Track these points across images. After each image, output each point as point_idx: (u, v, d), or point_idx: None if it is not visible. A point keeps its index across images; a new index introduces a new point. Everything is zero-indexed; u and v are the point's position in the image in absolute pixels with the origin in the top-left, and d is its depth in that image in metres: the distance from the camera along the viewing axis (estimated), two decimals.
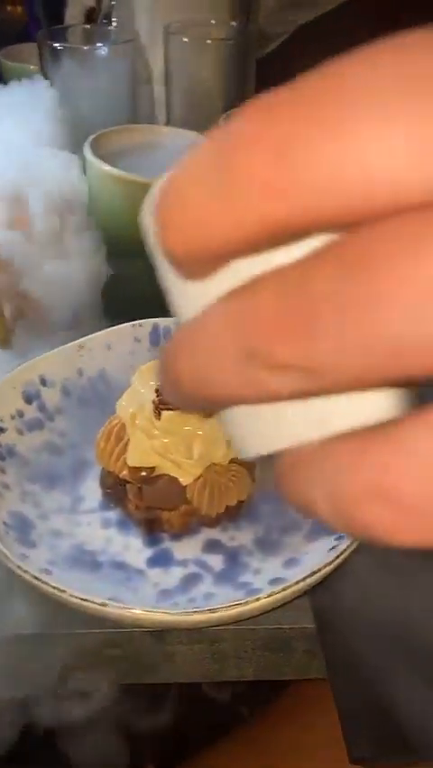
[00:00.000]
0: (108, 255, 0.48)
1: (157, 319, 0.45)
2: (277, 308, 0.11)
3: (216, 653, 0.35)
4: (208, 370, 0.12)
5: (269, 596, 0.30)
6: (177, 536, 0.37)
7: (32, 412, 0.41)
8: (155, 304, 0.49)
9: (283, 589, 0.30)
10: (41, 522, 0.37)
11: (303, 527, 0.37)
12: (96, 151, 0.45)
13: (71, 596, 0.29)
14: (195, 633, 0.34)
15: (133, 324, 0.45)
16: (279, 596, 0.30)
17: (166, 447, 0.36)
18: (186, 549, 0.36)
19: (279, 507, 0.38)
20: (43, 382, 0.42)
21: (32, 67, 0.63)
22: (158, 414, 0.36)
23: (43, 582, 0.30)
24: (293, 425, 0.13)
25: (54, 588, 0.30)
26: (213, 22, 0.57)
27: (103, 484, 0.38)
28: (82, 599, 0.30)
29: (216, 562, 0.35)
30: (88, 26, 0.57)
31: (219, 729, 0.48)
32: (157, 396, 0.36)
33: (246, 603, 0.30)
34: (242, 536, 0.37)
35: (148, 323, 0.45)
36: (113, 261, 0.49)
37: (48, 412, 0.42)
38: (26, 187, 0.45)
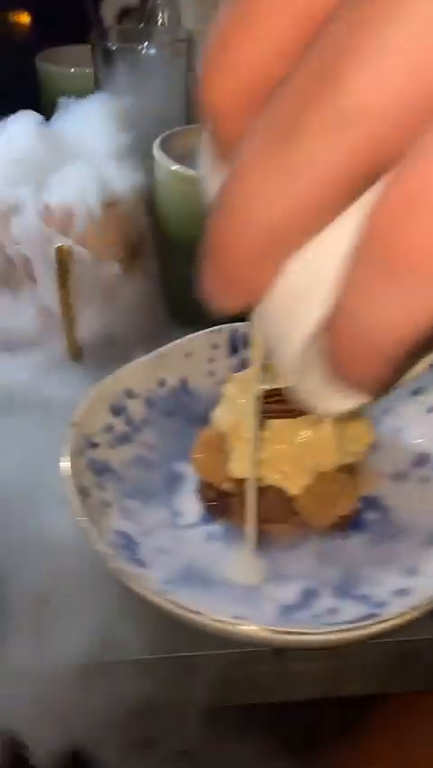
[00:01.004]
0: (178, 259, 0.47)
1: (235, 324, 0.44)
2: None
3: (339, 669, 0.34)
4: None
5: (413, 609, 0.28)
6: (286, 549, 0.35)
7: (120, 425, 0.40)
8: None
9: (428, 604, 0.29)
10: (145, 539, 0.35)
11: (415, 534, 0.35)
12: (166, 152, 0.44)
13: (210, 618, 0.28)
14: (319, 651, 0.32)
15: (212, 331, 0.44)
16: (424, 609, 0.29)
17: (273, 457, 0.34)
18: (298, 562, 0.35)
19: (385, 516, 0.37)
20: (128, 394, 0.41)
21: (72, 70, 0.61)
22: (264, 423, 0.34)
23: (173, 603, 0.29)
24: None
25: (186, 609, 0.29)
26: None
27: (204, 497, 0.37)
28: (216, 621, 0.28)
29: (332, 574, 0.34)
30: (140, 26, 0.56)
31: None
32: (263, 404, 0.35)
33: (387, 620, 0.28)
34: (352, 547, 0.36)
35: (226, 328, 0.44)
36: (183, 266, 0.47)
37: (134, 424, 0.41)
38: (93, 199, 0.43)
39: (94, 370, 0.44)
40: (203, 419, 0.42)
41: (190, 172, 0.43)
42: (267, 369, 0.36)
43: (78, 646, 0.31)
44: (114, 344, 0.47)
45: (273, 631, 0.28)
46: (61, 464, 0.34)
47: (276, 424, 0.34)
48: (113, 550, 0.32)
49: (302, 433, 0.34)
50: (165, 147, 0.44)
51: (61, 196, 0.42)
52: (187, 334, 0.44)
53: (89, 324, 0.47)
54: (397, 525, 0.36)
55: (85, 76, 0.56)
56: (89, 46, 0.55)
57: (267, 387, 0.35)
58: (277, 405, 0.35)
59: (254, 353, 0.37)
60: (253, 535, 0.34)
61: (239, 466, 0.35)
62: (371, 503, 0.38)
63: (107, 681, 0.31)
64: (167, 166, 0.44)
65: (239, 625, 0.28)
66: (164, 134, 0.45)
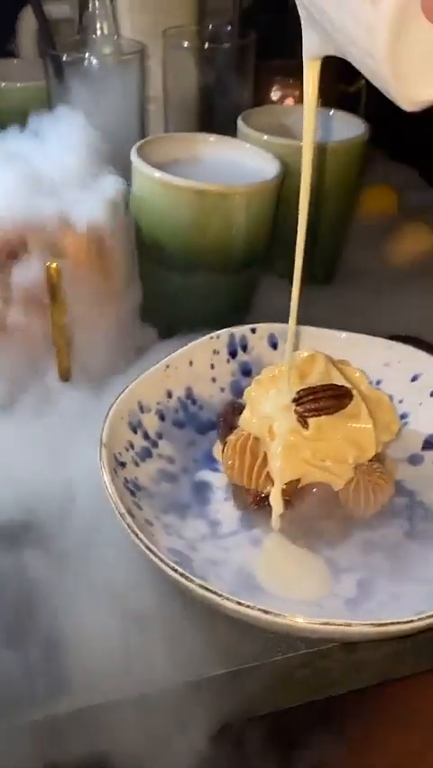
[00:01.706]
0: (162, 270, 0.46)
1: (231, 328, 0.44)
2: None
3: (400, 652, 0.35)
4: None
5: None
6: (332, 544, 0.36)
7: (139, 441, 0.39)
8: (213, 315, 0.47)
9: None
10: (194, 553, 0.35)
11: None
12: (144, 161, 0.43)
13: (292, 621, 0.28)
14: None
15: (211, 337, 0.43)
16: None
17: (318, 455, 0.35)
18: (346, 555, 0.36)
19: (412, 499, 0.39)
20: (141, 408, 0.40)
21: (18, 84, 0.58)
22: (304, 422, 0.35)
23: (250, 608, 0.28)
24: None
25: (272, 614, 0.28)
26: (210, 27, 0.56)
27: (242, 504, 0.37)
28: (305, 623, 0.28)
29: (381, 561, 0.35)
30: (76, 36, 0.54)
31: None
32: (297, 404, 0.35)
33: None
34: (391, 533, 0.37)
35: (224, 333, 0.44)
36: (166, 276, 0.47)
37: (151, 439, 0.40)
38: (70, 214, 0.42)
39: (88, 389, 0.43)
40: (211, 425, 0.42)
41: (173, 179, 0.43)
42: (298, 369, 0.37)
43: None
44: (101, 360, 0.45)
45: (372, 625, 0.28)
46: (107, 488, 0.33)
47: (315, 422, 0.35)
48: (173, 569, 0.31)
49: (344, 427, 0.35)
50: (142, 155, 0.44)
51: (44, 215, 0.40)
52: (167, 343, 0.44)
53: (78, 343, 0.45)
54: (425, 506, 0.38)
55: (30, 90, 0.54)
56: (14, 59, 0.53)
57: (302, 387, 0.36)
58: (312, 404, 0.35)
59: (288, 354, 0.37)
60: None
61: (286, 468, 0.35)
62: (397, 488, 0.39)
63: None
64: (149, 173, 0.43)
65: (334, 624, 0.28)
66: (139, 143, 0.44)
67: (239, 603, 0.28)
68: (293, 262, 0.52)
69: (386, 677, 0.35)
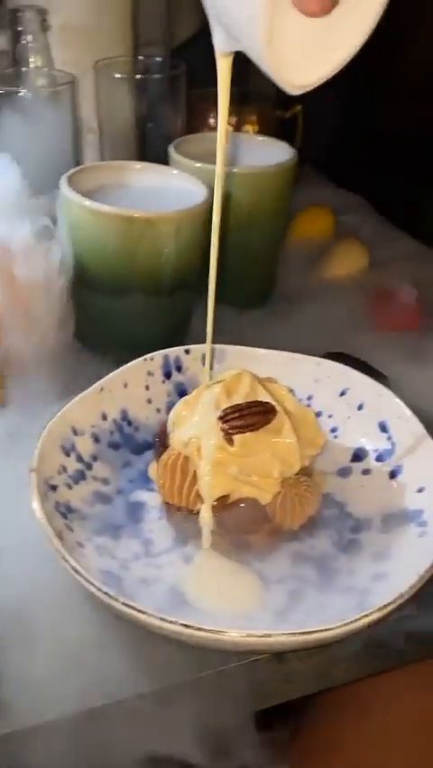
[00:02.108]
0: (95, 295, 0.47)
1: (166, 350, 0.45)
2: None
3: (330, 660, 0.35)
4: None
5: (402, 595, 0.31)
6: (262, 556, 0.37)
7: (72, 464, 0.39)
8: (150, 338, 0.48)
9: (419, 580, 0.31)
10: (125, 573, 0.35)
11: (372, 522, 0.38)
12: (74, 189, 0.44)
13: (214, 634, 0.29)
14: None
15: (145, 359, 0.44)
16: (414, 590, 0.31)
17: (244, 471, 0.36)
18: (276, 567, 0.36)
19: (342, 510, 0.40)
20: (75, 431, 0.40)
21: None
22: (229, 439, 0.36)
23: (184, 626, 0.29)
24: None
25: (204, 630, 0.29)
26: (140, 58, 0.58)
27: (174, 522, 0.38)
28: (227, 636, 0.29)
29: (310, 572, 0.36)
30: (9, 69, 0.55)
31: None
32: (223, 422, 0.36)
33: (384, 607, 0.31)
34: (320, 544, 0.38)
35: (158, 355, 0.45)
36: (100, 301, 0.47)
37: (85, 461, 0.40)
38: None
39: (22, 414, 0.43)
40: (147, 446, 0.43)
41: (100, 206, 0.44)
42: (224, 388, 0.38)
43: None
44: (37, 385, 0.46)
45: (290, 634, 0.29)
46: (36, 513, 0.33)
47: (240, 439, 0.36)
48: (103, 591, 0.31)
49: (269, 442, 0.36)
50: (72, 184, 0.45)
51: None
52: (96, 364, 0.45)
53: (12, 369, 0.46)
54: (354, 517, 0.39)
55: None
56: None
57: (226, 405, 0.37)
58: (237, 421, 0.36)
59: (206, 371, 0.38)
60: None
61: (215, 485, 0.36)
62: (326, 501, 0.40)
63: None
64: (78, 201, 0.44)
65: (255, 635, 0.29)
66: (69, 172, 0.45)
67: (162, 619, 0.29)
68: (225, 285, 0.53)
69: (320, 686, 0.36)
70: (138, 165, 0.49)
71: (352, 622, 0.29)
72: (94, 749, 0.32)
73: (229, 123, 0.76)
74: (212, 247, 0.34)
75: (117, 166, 0.49)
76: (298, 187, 0.77)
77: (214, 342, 0.39)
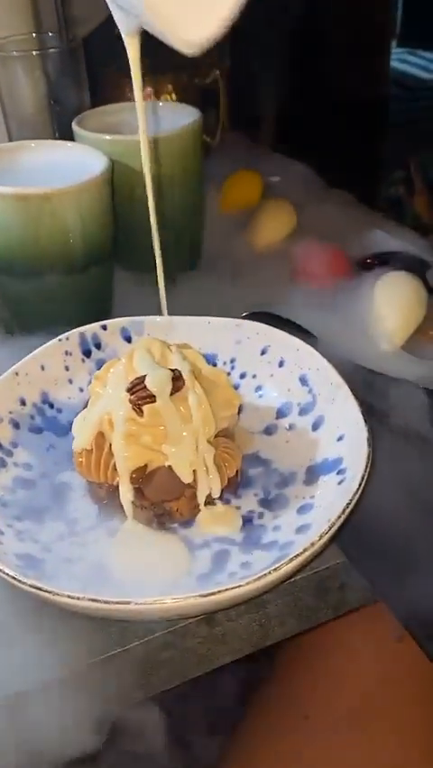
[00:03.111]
0: (5, 278, 0.46)
1: (81, 328, 0.44)
2: None
3: (263, 618, 0.35)
4: None
5: (313, 545, 0.31)
6: (187, 522, 0.37)
7: None
8: (69, 317, 0.48)
9: (330, 528, 0.31)
10: (48, 555, 0.35)
11: (297, 476, 0.38)
12: None
13: (135, 604, 0.28)
14: (242, 606, 0.34)
15: (60, 339, 0.43)
16: (325, 539, 0.31)
17: (156, 440, 0.35)
18: (200, 531, 0.36)
19: (267, 468, 0.40)
20: None
21: None
22: (139, 410, 0.35)
23: (97, 601, 0.29)
24: None
25: (111, 603, 0.29)
26: (33, 35, 0.56)
27: (96, 498, 0.37)
28: (145, 604, 0.29)
29: (234, 533, 0.36)
30: None
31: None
32: (131, 393, 0.36)
33: (296, 557, 0.30)
34: (245, 503, 0.38)
35: (73, 334, 0.44)
36: (11, 284, 0.46)
37: (5, 449, 0.39)
38: None
39: None
40: (72, 427, 0.42)
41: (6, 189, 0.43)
42: (130, 359, 0.37)
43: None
44: None
45: (201, 596, 0.29)
46: None
47: (149, 408, 0.35)
48: (19, 572, 0.31)
49: (178, 410, 0.35)
50: None
51: None
52: (18, 349, 0.44)
53: None
54: (279, 473, 0.39)
55: None
56: None
57: (131, 378, 0.36)
58: (144, 391, 0.36)
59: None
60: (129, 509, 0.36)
61: (130, 458, 0.35)
62: (251, 460, 0.40)
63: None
64: None
65: (164, 601, 0.29)
66: None
67: (69, 596, 0.28)
68: (140, 255, 0.52)
69: (256, 646, 0.36)
70: (33, 143, 0.48)
71: (260, 578, 0.29)
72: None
73: (146, 96, 0.74)
74: (151, 215, 0.38)
75: (11, 147, 0.47)
76: (223, 153, 0.77)
77: (144, 314, 0.39)
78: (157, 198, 0.51)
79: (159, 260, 0.40)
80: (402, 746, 0.39)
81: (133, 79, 0.37)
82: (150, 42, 0.34)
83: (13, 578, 0.29)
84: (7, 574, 0.30)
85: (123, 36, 0.35)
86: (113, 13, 0.33)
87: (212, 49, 0.28)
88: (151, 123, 0.54)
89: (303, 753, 0.36)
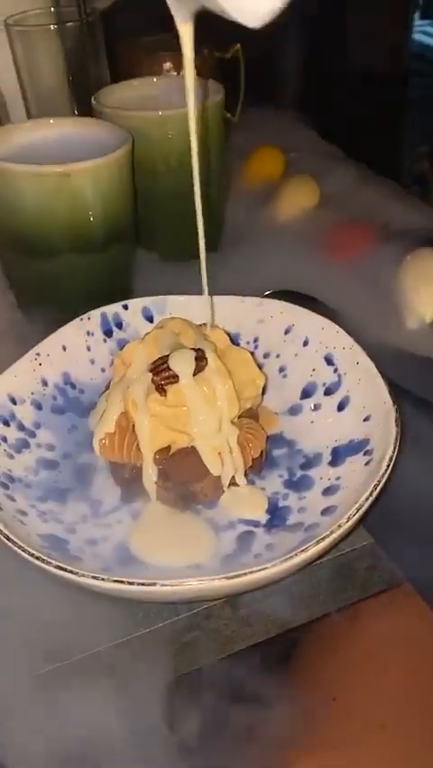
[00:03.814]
0: (24, 258, 0.46)
1: (102, 308, 0.44)
2: None
3: (289, 600, 0.35)
4: None
5: (340, 527, 0.30)
6: (211, 503, 0.36)
7: (13, 433, 0.38)
8: (89, 297, 0.47)
9: (357, 511, 0.31)
10: (71, 536, 0.35)
11: (322, 457, 0.38)
12: None
13: (162, 586, 0.28)
14: (268, 587, 0.33)
15: (81, 319, 0.43)
16: (353, 521, 0.30)
17: (180, 421, 0.35)
18: (224, 512, 0.36)
19: (291, 449, 0.39)
20: (13, 401, 0.39)
21: None
22: (162, 390, 0.35)
23: (122, 583, 0.28)
24: None
25: (136, 584, 0.28)
26: (51, 10, 0.55)
27: (120, 479, 0.37)
28: (171, 586, 0.28)
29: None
30: None
31: None
32: (154, 374, 0.35)
33: (323, 539, 0.30)
34: (270, 484, 0.37)
35: (95, 314, 0.43)
36: (30, 263, 0.46)
37: (27, 429, 0.39)
38: None
39: None
40: (95, 407, 0.42)
41: (9, 166, 0.42)
42: (152, 339, 0.37)
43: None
44: None
45: (226, 578, 0.28)
46: None
47: (172, 389, 0.35)
48: (43, 554, 0.31)
49: (202, 390, 0.35)
50: None
51: None
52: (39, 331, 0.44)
53: None
54: (304, 454, 0.38)
55: None
56: None
57: (154, 358, 0.36)
58: (167, 371, 0.35)
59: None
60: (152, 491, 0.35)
61: (154, 438, 0.35)
62: (276, 441, 0.39)
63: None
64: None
65: (189, 583, 0.29)
66: None
67: (94, 577, 0.28)
68: (162, 233, 0.51)
69: (282, 627, 0.36)
70: (51, 120, 0.47)
71: (287, 559, 0.29)
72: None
73: (166, 70, 0.73)
74: (195, 194, 0.35)
75: (30, 124, 0.47)
76: (245, 128, 0.76)
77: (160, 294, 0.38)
78: (176, 174, 0.50)
79: (202, 240, 0.38)
80: (430, 728, 0.39)
81: (186, 66, 0.35)
82: (170, 17, 0.33)
83: (39, 558, 0.29)
84: (32, 555, 0.29)
85: (177, 24, 0.34)
86: (168, 2, 0.32)
87: (234, 23, 0.27)
88: (174, 98, 0.53)
89: (330, 734, 0.36)
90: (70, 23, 0.54)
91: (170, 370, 0.35)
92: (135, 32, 0.72)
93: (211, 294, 0.44)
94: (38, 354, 0.41)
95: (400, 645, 0.40)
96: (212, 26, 0.33)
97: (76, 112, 0.57)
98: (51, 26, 0.54)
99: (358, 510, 0.31)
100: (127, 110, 0.50)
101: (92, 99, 0.51)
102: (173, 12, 0.33)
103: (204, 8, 0.29)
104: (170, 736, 0.30)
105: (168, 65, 0.70)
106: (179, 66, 0.75)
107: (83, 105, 0.56)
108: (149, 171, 0.50)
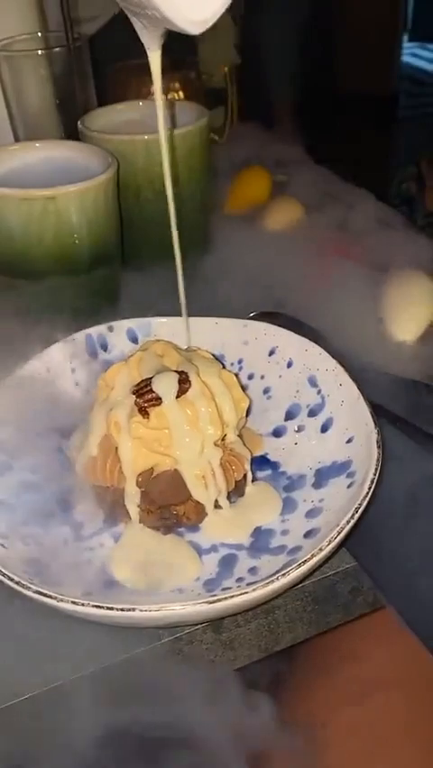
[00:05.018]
0: (9, 281, 0.46)
1: (88, 330, 0.44)
2: None
3: (272, 624, 0.35)
4: None
5: (321, 550, 0.30)
6: (193, 527, 0.36)
7: None
8: (65, 319, 0.47)
9: (338, 533, 0.31)
10: (53, 560, 0.34)
11: (306, 479, 0.38)
12: None
13: (141, 611, 0.28)
14: (250, 611, 0.33)
15: (65, 341, 0.43)
16: (334, 544, 0.30)
17: (163, 443, 0.35)
18: (208, 535, 0.36)
19: (275, 470, 0.39)
20: None
21: None
22: (145, 413, 0.35)
23: (101, 608, 0.28)
24: None
25: (115, 609, 0.28)
26: (39, 35, 0.56)
27: (103, 502, 0.37)
28: (150, 611, 0.28)
29: (242, 536, 0.35)
30: None
31: None
32: (136, 396, 0.35)
33: (304, 562, 0.30)
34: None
35: (80, 335, 0.43)
36: (18, 285, 0.46)
37: (9, 452, 0.39)
38: None
39: None
40: (78, 429, 0.42)
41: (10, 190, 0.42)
42: (135, 361, 0.37)
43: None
44: None
45: (208, 602, 0.28)
46: None
47: (155, 411, 0.35)
48: (25, 579, 0.31)
49: (185, 413, 0.35)
50: None
51: None
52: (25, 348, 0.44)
53: None
54: (288, 476, 0.38)
55: None
56: None
57: (137, 380, 0.36)
58: (150, 393, 0.35)
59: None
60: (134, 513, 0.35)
61: (137, 461, 0.35)
62: (260, 462, 0.39)
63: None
64: None
65: (170, 608, 0.29)
66: None
67: (73, 602, 0.28)
68: (146, 255, 0.52)
69: (266, 651, 0.36)
70: (38, 143, 0.47)
71: (268, 583, 0.28)
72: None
73: (152, 93, 0.74)
74: (171, 218, 0.37)
75: (16, 147, 0.47)
76: (232, 148, 0.76)
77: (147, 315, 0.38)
78: (159, 198, 0.51)
79: (178, 261, 0.39)
80: (419, 750, 0.39)
81: (155, 91, 0.37)
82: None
83: (18, 583, 0.29)
84: (12, 579, 0.29)
85: (147, 51, 0.36)
86: (138, 32, 0.34)
87: (221, 47, 0.28)
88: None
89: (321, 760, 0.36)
90: (58, 48, 0.54)
91: (153, 392, 0.35)
92: (122, 56, 0.73)
93: (195, 315, 0.45)
94: (21, 378, 0.41)
95: (385, 668, 0.40)
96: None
97: (63, 135, 0.57)
98: (39, 51, 0.54)
99: (339, 533, 0.31)
100: (112, 134, 0.50)
101: (78, 123, 0.52)
102: (142, 39, 0.35)
103: (171, 34, 0.31)
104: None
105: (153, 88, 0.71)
106: (165, 89, 0.76)
107: (70, 128, 0.56)
108: (133, 195, 0.50)
